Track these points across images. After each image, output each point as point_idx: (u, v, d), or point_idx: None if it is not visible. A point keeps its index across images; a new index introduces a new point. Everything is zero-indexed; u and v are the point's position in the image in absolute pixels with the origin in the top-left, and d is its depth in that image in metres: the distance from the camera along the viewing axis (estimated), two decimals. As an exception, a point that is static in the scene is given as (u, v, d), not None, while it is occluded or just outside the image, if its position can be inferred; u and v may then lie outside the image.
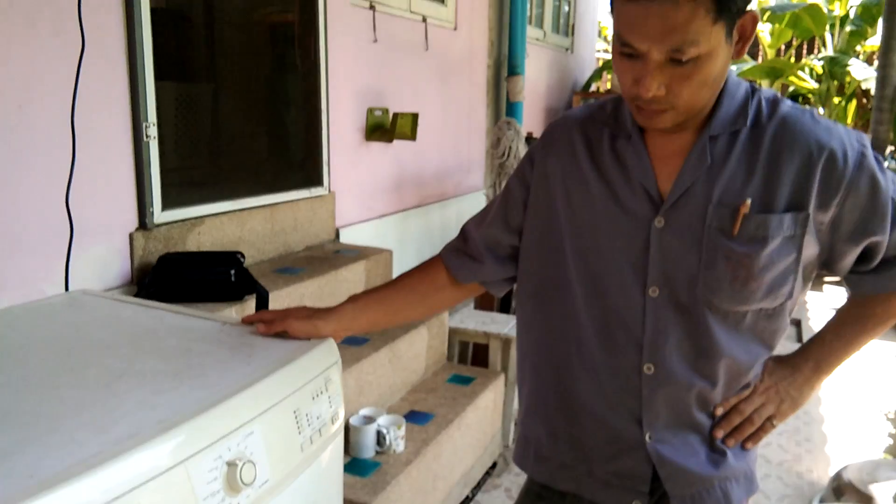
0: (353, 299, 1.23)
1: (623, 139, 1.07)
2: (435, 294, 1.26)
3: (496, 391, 2.85)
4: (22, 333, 1.18)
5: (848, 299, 1.17)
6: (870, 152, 1.01)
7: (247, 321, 1.23)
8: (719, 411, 1.10)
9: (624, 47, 0.93)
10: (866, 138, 1.03)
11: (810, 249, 1.03)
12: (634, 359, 1.07)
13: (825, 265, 1.07)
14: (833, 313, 1.19)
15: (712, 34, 0.88)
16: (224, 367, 1.06)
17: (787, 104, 1.03)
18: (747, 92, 1.04)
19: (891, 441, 3.28)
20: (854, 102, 7.84)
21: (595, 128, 1.11)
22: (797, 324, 4.79)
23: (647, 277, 1.04)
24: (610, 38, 0.99)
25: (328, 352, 1.18)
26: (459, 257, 1.24)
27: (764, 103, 1.03)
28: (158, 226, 2.11)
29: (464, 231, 1.27)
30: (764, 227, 0.99)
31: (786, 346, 1.10)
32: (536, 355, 1.19)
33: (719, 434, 1.10)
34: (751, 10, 0.93)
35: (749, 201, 0.99)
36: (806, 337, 4.53)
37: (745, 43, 0.96)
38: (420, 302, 1.27)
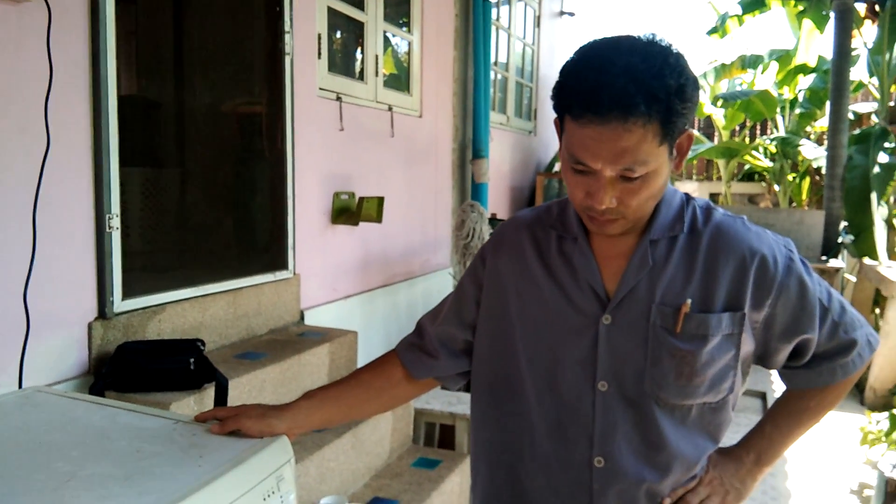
0: (307, 396, 1.24)
1: (570, 241, 1.13)
2: (390, 390, 1.28)
3: (463, 474, 2.82)
4: (-30, 436, 1.17)
5: (784, 392, 1.22)
6: (797, 257, 1.10)
7: (200, 419, 1.23)
8: (667, 502, 1.13)
9: (577, 164, 0.99)
10: (792, 244, 1.12)
11: (747, 346, 1.09)
12: (585, 452, 1.10)
13: (760, 360, 1.13)
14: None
15: (658, 154, 0.96)
16: (175, 469, 1.06)
17: (720, 212, 1.11)
18: (682, 200, 1.11)
19: (857, 517, 3.28)
20: (808, 180, 8.17)
21: (543, 229, 1.17)
22: (762, 396, 4.83)
23: (596, 372, 1.09)
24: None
25: (281, 450, 1.18)
26: (414, 353, 1.27)
27: (698, 211, 1.11)
28: (118, 315, 2.10)
29: (419, 326, 1.30)
30: (704, 326, 1.05)
31: (751, 418, 1.15)
32: (490, 450, 1.21)
33: (666, 526, 1.12)
34: (687, 130, 1.01)
35: (689, 301, 1.05)
36: (771, 411, 4.57)
37: (682, 157, 1.04)
38: (375, 398, 1.28)
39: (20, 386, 1.76)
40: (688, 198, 1.13)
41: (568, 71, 0.98)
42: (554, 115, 1.04)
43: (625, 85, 0.90)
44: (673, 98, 0.92)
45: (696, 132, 8.72)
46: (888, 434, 3.56)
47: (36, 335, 1.81)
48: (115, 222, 2.07)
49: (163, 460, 1.08)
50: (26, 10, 1.78)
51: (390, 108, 3.70)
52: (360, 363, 3.02)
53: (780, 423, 1.20)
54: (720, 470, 1.17)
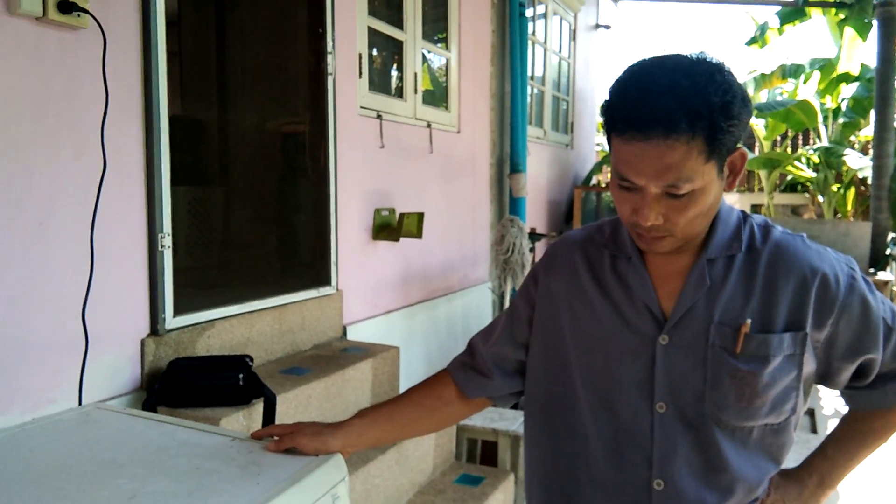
0: (361, 414, 1.25)
1: (623, 260, 1.13)
2: (442, 409, 1.28)
3: (506, 492, 2.80)
4: (36, 453, 1.20)
5: (847, 413, 1.19)
6: (860, 275, 1.07)
7: (256, 436, 1.24)
8: (729, 526, 1.11)
9: (622, 181, 0.99)
10: (854, 262, 1.09)
11: (809, 366, 1.07)
12: (644, 475, 1.09)
13: (822, 380, 1.11)
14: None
15: (705, 171, 0.95)
16: (233, 486, 1.07)
17: (779, 230, 1.09)
18: (739, 218, 1.10)
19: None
20: (853, 190, 8.00)
21: (595, 249, 1.17)
22: (811, 413, 4.72)
23: (654, 393, 1.07)
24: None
25: (336, 468, 1.19)
26: (467, 372, 1.27)
27: (756, 229, 1.09)
28: (169, 331, 2.15)
29: (471, 346, 1.30)
30: (765, 347, 1.03)
31: (800, 436, 1.12)
32: (544, 471, 1.20)
33: (729, 549, 1.10)
34: (740, 148, 1.00)
35: (749, 322, 1.03)
36: (820, 426, 4.45)
37: (736, 176, 1.03)
38: (428, 417, 1.28)
39: (80, 402, 1.81)
40: (745, 215, 1.11)
41: (615, 90, 0.98)
42: (591, 129, 1.04)
43: (667, 102, 0.91)
44: (717, 115, 0.91)
45: (735, 143, 8.59)
46: (945, 453, 3.44)
47: (92, 352, 1.86)
48: (167, 241, 2.11)
49: (222, 478, 1.10)
50: (82, 36, 1.85)
51: (429, 125, 3.73)
52: (402, 378, 3.03)
53: (842, 445, 1.18)
54: (782, 492, 1.14)
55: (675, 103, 0.90)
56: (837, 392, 1.15)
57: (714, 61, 0.96)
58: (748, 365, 1.03)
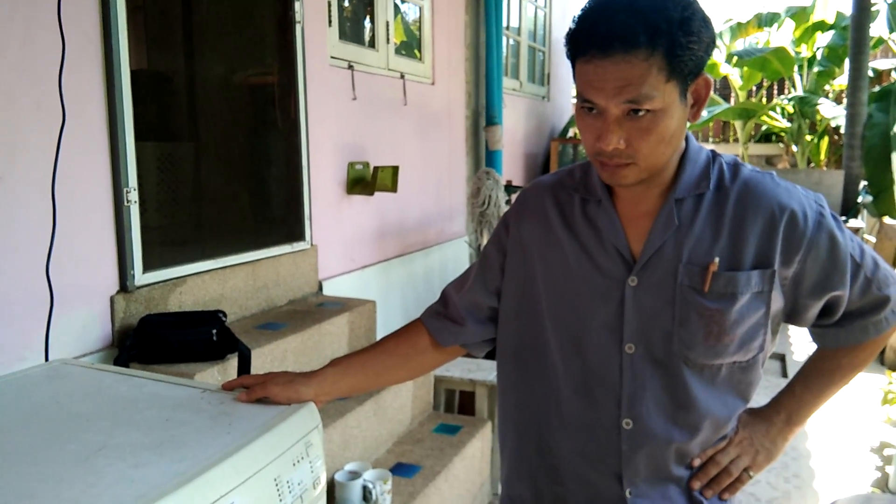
0: (334, 363, 1.24)
1: (593, 203, 1.12)
2: (416, 357, 1.28)
3: (483, 439, 2.84)
4: (1, 408, 1.18)
5: (815, 352, 1.20)
6: (828, 212, 1.07)
7: (227, 387, 1.23)
8: (696, 463, 1.12)
9: (585, 103, 0.98)
10: (824, 199, 1.09)
11: (777, 304, 1.07)
12: (613, 415, 1.09)
13: (789, 318, 1.11)
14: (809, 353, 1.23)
15: (666, 91, 0.94)
16: (204, 436, 1.06)
17: (748, 168, 1.08)
18: (708, 157, 1.09)
19: (878, 474, 3.29)
20: (826, 140, 8.04)
21: (566, 193, 1.15)
22: (781, 358, 4.82)
23: (623, 335, 1.08)
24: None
25: (309, 416, 1.19)
26: (440, 320, 1.26)
27: (725, 167, 1.08)
28: (139, 288, 2.12)
29: (444, 295, 1.29)
30: (733, 284, 1.03)
31: (770, 380, 1.13)
32: (517, 416, 1.21)
33: (696, 485, 1.12)
34: (703, 75, 0.99)
35: (717, 260, 1.03)
36: (791, 370, 4.56)
37: (700, 106, 1.01)
38: (402, 365, 1.28)
39: (46, 359, 1.78)
40: (714, 155, 1.10)
41: (578, 16, 0.98)
42: (568, 81, 1.02)
43: (626, 18, 0.91)
44: (676, 30, 0.91)
45: (712, 94, 8.58)
46: (910, 393, 3.54)
47: (59, 309, 1.83)
48: (133, 196, 2.07)
49: (192, 428, 1.09)
50: (36, -18, 1.77)
51: (402, 76, 3.66)
52: (380, 332, 3.03)
53: (810, 382, 1.19)
54: (750, 430, 1.16)
55: (634, 19, 0.91)
56: (808, 335, 1.16)
57: None
58: (716, 303, 1.03)
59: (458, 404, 3.31)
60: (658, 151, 0.99)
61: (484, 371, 3.16)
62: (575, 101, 1.03)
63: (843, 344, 1.14)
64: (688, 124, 1.03)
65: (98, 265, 2.00)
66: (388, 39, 3.53)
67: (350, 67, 3.18)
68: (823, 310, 1.11)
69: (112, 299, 2.04)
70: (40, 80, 1.80)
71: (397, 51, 3.69)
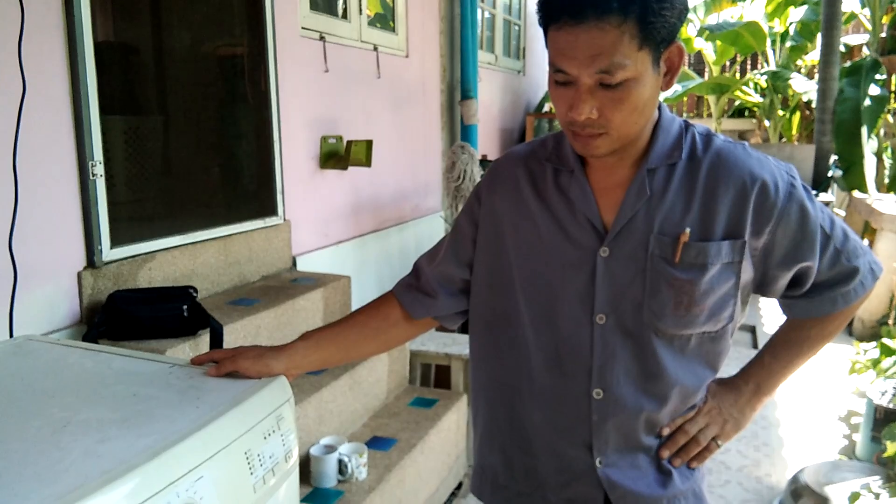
0: (305, 337, 1.23)
1: (566, 174, 1.11)
2: (388, 330, 1.27)
3: (459, 412, 2.86)
4: (-37, 385, 1.16)
5: (783, 322, 1.22)
6: (799, 183, 1.07)
7: (196, 362, 1.22)
8: (665, 432, 1.13)
9: (557, 73, 0.97)
10: (795, 170, 1.09)
11: (747, 274, 1.07)
12: (584, 385, 1.10)
13: (759, 289, 1.12)
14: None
15: (638, 59, 0.93)
16: (172, 411, 1.05)
17: (721, 138, 1.08)
18: (681, 127, 1.08)
19: (845, 442, 3.37)
20: (798, 114, 8.11)
21: (538, 163, 1.14)
22: (752, 330, 4.90)
23: (594, 305, 1.08)
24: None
25: (280, 389, 1.18)
26: (412, 293, 1.26)
27: (698, 137, 1.08)
28: (107, 263, 2.08)
29: (416, 267, 1.28)
30: (703, 255, 1.03)
31: (741, 352, 1.14)
32: (489, 387, 1.21)
33: (665, 454, 1.13)
34: (676, 43, 0.98)
35: (688, 231, 1.03)
36: (761, 342, 4.64)
37: (673, 75, 1.00)
38: (373, 338, 1.27)
39: (11, 336, 1.75)
40: (686, 125, 1.10)
41: None
42: (544, 55, 1.01)
43: None
44: None
45: (686, 68, 8.60)
46: (876, 363, 3.63)
47: (24, 285, 1.79)
48: (99, 169, 2.02)
49: (160, 403, 1.08)
50: (-9, -54, 1.70)
51: (376, 48, 3.61)
52: (355, 308, 3.02)
53: (779, 353, 1.20)
54: (719, 400, 1.17)
55: None
56: (777, 306, 1.17)
57: None
58: (686, 273, 1.03)
59: (433, 378, 3.32)
60: (631, 121, 0.98)
61: (459, 345, 3.17)
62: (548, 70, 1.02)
63: (813, 315, 1.15)
64: (661, 94, 1.02)
65: (64, 240, 1.96)
66: (360, 10, 3.47)
67: (322, 39, 3.13)
68: (793, 281, 1.11)
69: (79, 275, 2.00)
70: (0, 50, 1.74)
71: (370, 22, 3.63)
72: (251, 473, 1.06)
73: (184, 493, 0.92)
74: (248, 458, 1.06)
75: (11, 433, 0.98)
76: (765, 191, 1.03)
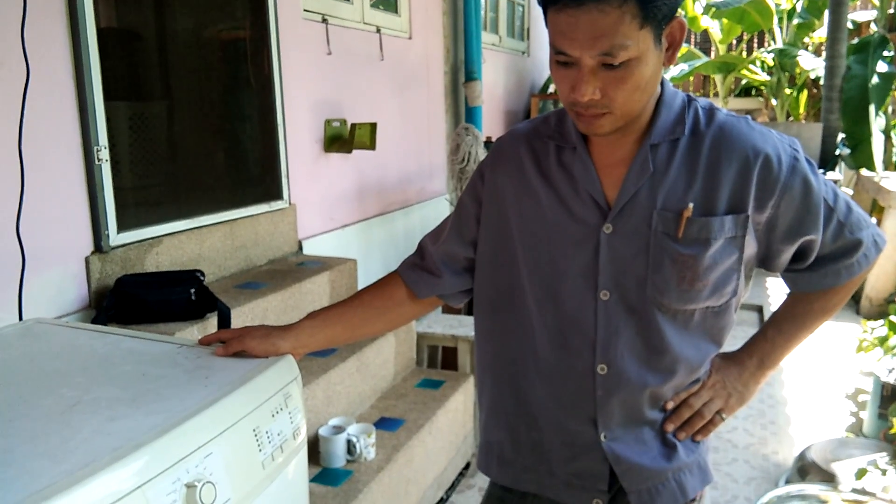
0: (311, 316, 1.24)
1: (568, 150, 1.11)
2: (394, 309, 1.27)
3: (466, 393, 2.88)
4: (-26, 367, 1.17)
5: (787, 296, 1.22)
6: (802, 156, 1.06)
7: (204, 342, 1.23)
8: (670, 406, 1.14)
9: (559, 55, 0.96)
10: (798, 143, 1.08)
11: (750, 249, 1.07)
12: (588, 361, 1.10)
13: (762, 263, 1.12)
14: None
15: (640, 39, 0.92)
16: (181, 390, 1.06)
17: (723, 113, 1.08)
18: (684, 102, 1.08)
19: (852, 420, 3.37)
20: (805, 93, 8.04)
21: (541, 141, 1.14)
22: (759, 309, 4.90)
23: (597, 282, 1.08)
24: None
25: (287, 368, 1.19)
26: (417, 272, 1.26)
27: (701, 112, 1.07)
28: (115, 248, 2.09)
29: (420, 247, 1.29)
30: (707, 230, 1.03)
31: (747, 332, 1.14)
32: (494, 364, 1.22)
33: (669, 428, 1.14)
34: (677, 18, 0.97)
35: (692, 206, 1.03)
36: (768, 324, 4.64)
37: (675, 50, 1.00)
38: (378, 317, 1.28)
39: (20, 319, 1.76)
40: (689, 99, 1.09)
41: None
42: (546, 36, 1.00)
43: None
44: None
45: (692, 48, 8.52)
46: (883, 341, 3.62)
47: (33, 270, 1.80)
48: (104, 154, 2.03)
49: (168, 382, 1.09)
50: (-9, -69, 1.70)
51: (378, 30, 3.59)
52: (361, 290, 3.03)
53: (783, 326, 1.20)
54: (723, 374, 1.17)
55: None
56: (781, 281, 1.17)
57: None
58: (689, 249, 1.03)
59: (440, 360, 3.34)
60: (634, 99, 0.98)
61: (465, 327, 3.18)
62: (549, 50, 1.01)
63: (816, 288, 1.15)
64: (663, 69, 1.02)
65: (71, 225, 1.97)
66: (363, -8, 3.45)
67: (324, 21, 3.11)
68: (796, 254, 1.11)
69: (87, 260, 2.01)
70: (4, 36, 1.74)
71: (373, 4, 3.61)
72: (260, 450, 1.07)
73: (193, 469, 0.93)
74: (256, 436, 1.07)
75: (22, 412, 0.99)
76: (768, 165, 1.03)
